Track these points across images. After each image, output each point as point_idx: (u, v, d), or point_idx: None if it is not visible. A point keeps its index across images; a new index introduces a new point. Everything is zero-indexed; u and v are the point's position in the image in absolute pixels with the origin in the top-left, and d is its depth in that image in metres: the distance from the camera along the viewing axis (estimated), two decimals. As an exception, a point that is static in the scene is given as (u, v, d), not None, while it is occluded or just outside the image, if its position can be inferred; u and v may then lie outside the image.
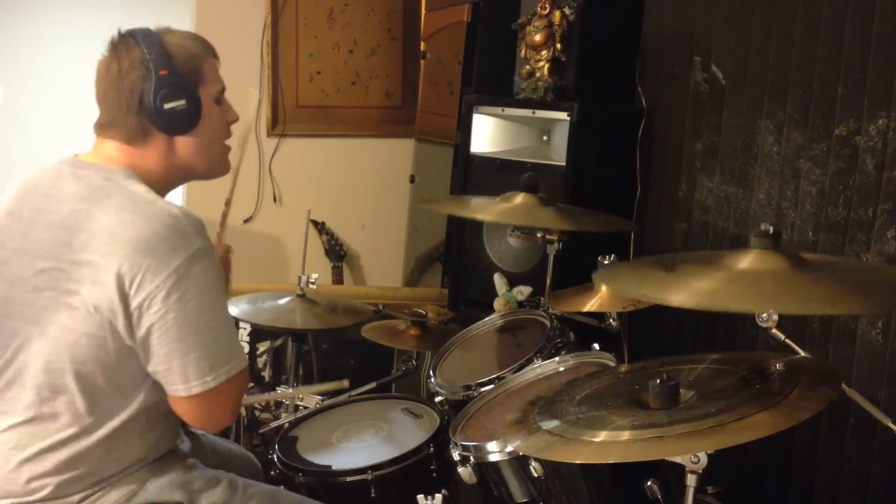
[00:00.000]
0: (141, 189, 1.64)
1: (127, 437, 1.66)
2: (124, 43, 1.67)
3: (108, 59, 1.68)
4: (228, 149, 1.82)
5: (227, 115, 1.79)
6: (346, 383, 2.40)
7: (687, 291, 1.44)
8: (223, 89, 1.77)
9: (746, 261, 1.49)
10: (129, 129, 1.67)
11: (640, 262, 1.71)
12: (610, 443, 1.39)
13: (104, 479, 1.66)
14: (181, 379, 1.60)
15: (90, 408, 1.62)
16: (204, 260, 1.59)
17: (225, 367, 1.61)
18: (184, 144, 1.71)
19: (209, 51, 1.75)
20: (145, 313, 1.56)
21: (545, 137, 3.03)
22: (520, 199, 2.32)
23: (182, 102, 1.66)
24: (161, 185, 1.72)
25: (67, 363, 1.60)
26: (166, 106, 1.64)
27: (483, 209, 2.41)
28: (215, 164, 1.80)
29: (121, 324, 1.57)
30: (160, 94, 1.63)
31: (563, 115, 2.85)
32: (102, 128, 1.71)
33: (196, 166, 1.75)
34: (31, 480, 1.62)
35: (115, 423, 1.64)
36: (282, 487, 2.00)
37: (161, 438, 1.74)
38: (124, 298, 1.55)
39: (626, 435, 1.39)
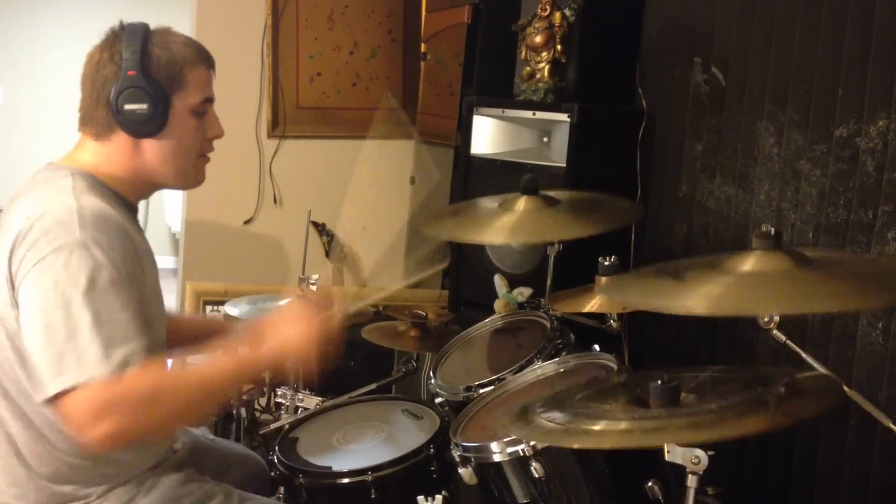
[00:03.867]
0: (67, 183, 1.58)
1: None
2: (114, 35, 1.65)
3: (96, 47, 1.66)
4: (205, 161, 1.75)
5: (209, 130, 1.72)
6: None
7: (697, 298, 1.40)
8: (208, 100, 1.71)
9: (749, 263, 1.48)
10: (97, 122, 1.65)
11: (643, 273, 1.68)
12: (608, 430, 1.37)
13: (88, 495, 1.62)
14: (38, 378, 1.46)
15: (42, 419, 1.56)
16: (77, 253, 1.47)
17: (73, 372, 1.42)
18: (150, 147, 1.67)
19: (201, 59, 1.69)
20: (20, 305, 1.50)
21: (545, 139, 3.03)
22: (521, 204, 2.06)
23: (144, 106, 1.62)
24: (128, 190, 1.68)
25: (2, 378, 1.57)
26: (127, 107, 1.62)
27: (485, 227, 2.10)
28: (184, 175, 1.73)
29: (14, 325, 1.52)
30: (123, 93, 1.61)
31: (564, 117, 2.85)
32: (81, 121, 1.69)
33: (162, 172, 1.70)
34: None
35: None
36: (280, 494, 1.99)
37: (141, 450, 1.68)
38: (13, 295, 1.51)
39: (624, 424, 1.38)
